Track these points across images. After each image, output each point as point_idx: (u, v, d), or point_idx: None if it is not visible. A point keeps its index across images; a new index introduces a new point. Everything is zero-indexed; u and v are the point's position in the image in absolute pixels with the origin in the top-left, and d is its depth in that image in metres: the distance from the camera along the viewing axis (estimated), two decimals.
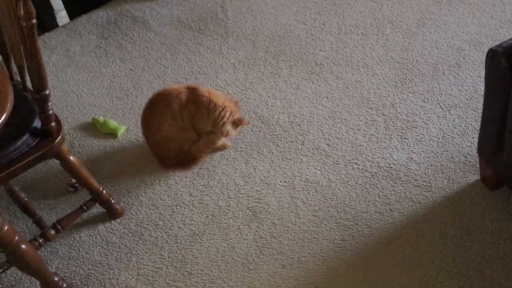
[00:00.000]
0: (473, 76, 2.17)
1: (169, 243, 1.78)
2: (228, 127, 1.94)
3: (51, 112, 1.47)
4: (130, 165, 2.05)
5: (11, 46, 1.58)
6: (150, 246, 1.78)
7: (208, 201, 1.89)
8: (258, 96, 2.24)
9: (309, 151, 2.00)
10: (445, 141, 1.95)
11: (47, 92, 1.43)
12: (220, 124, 1.92)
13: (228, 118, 1.92)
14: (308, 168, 1.94)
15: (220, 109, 1.91)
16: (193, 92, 1.92)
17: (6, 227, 1.34)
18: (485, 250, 1.61)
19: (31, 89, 1.58)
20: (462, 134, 1.96)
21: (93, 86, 2.41)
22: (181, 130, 1.93)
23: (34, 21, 1.28)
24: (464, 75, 2.19)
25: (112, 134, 2.17)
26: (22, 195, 1.86)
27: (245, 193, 1.90)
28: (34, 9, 1.27)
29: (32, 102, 1.59)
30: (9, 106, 1.15)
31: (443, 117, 2.03)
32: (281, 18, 2.62)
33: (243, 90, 2.28)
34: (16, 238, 1.38)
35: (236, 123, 1.95)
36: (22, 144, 1.46)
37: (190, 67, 2.44)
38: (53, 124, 1.49)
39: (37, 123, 1.51)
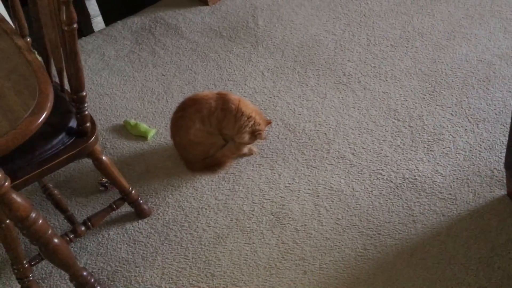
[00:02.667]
0: (502, 90, 2.16)
1: (193, 245, 1.83)
2: (246, 135, 1.98)
3: (87, 113, 1.54)
4: (159, 167, 2.11)
5: (52, 49, 1.65)
6: (175, 246, 1.83)
7: (233, 205, 1.93)
8: (286, 104, 2.28)
9: (334, 160, 2.02)
10: (472, 155, 1.94)
11: (84, 94, 1.49)
12: (242, 131, 1.96)
13: (250, 128, 1.97)
14: (332, 177, 1.96)
15: (246, 117, 1.95)
16: (222, 98, 1.97)
17: (40, 221, 1.40)
18: (510, 266, 1.60)
19: (68, 90, 1.65)
20: (490, 149, 1.95)
21: (125, 90, 2.49)
22: (208, 135, 1.98)
23: (75, 25, 1.34)
24: (493, 89, 2.17)
25: (142, 136, 2.24)
26: (55, 192, 1.93)
27: (269, 199, 1.93)
28: (75, 15, 1.33)
29: (68, 103, 1.66)
30: (49, 105, 1.21)
31: (471, 131, 2.02)
32: (310, 28, 2.66)
33: (270, 97, 2.32)
34: (49, 232, 1.44)
35: (254, 134, 1.98)
36: (58, 142, 1.53)
37: (220, 74, 2.49)
38: (88, 124, 1.56)
39: (72, 123, 1.58)
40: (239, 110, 1.95)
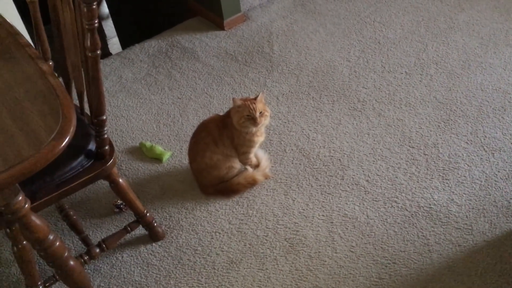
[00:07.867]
0: None
1: (206, 269, 1.82)
2: (246, 125, 1.86)
3: (106, 136, 1.56)
4: (173, 190, 2.12)
5: (73, 72, 1.69)
6: (188, 270, 1.83)
7: (247, 230, 1.93)
8: (300, 129, 2.29)
9: (348, 187, 2.01)
10: (488, 185, 1.93)
11: (104, 117, 1.52)
12: (243, 125, 1.87)
13: (242, 119, 1.85)
14: (346, 203, 1.95)
15: (236, 118, 1.87)
16: (225, 117, 1.97)
17: (57, 243, 1.41)
18: None
19: (87, 113, 1.68)
20: (506, 178, 1.94)
21: (142, 112, 2.52)
22: (223, 158, 1.99)
23: (98, 52, 1.38)
24: (509, 118, 2.17)
25: (158, 159, 2.25)
26: (71, 213, 1.95)
27: (283, 224, 1.92)
28: (99, 41, 1.37)
29: (88, 126, 1.69)
30: (72, 130, 1.23)
31: (487, 160, 2.02)
32: (325, 54, 2.68)
33: (285, 122, 2.33)
34: (66, 254, 1.45)
35: (249, 118, 1.85)
36: (77, 165, 1.55)
37: None
38: (107, 147, 1.58)
39: (91, 146, 1.60)
40: (230, 117, 1.90)
